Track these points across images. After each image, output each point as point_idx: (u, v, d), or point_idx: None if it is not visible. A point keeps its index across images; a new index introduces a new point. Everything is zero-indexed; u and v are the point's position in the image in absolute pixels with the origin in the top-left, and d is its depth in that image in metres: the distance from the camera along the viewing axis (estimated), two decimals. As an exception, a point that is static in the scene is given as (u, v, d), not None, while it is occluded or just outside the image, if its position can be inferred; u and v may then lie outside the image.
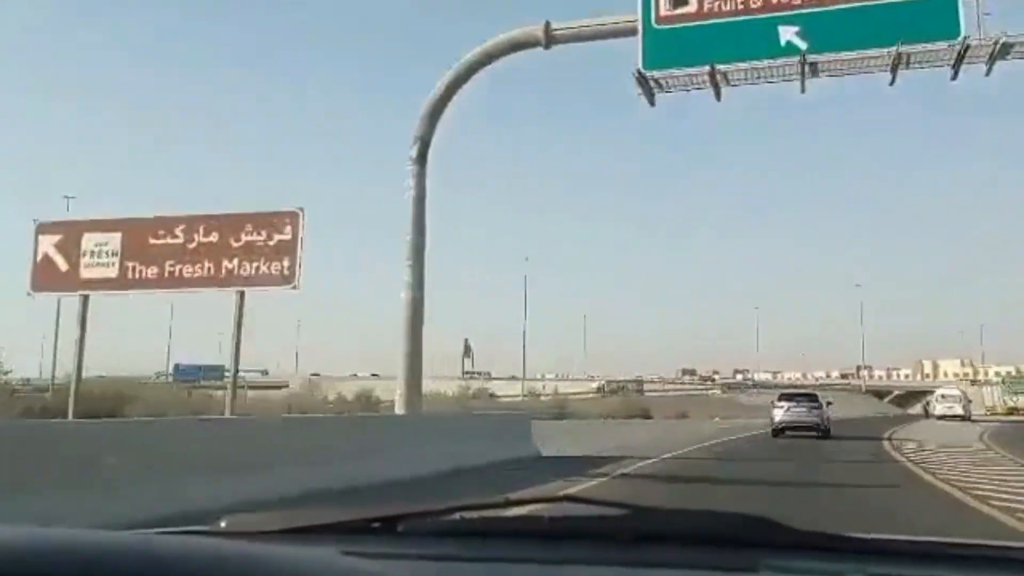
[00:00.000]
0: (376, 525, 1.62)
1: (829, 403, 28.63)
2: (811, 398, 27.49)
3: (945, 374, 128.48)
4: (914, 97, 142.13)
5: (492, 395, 63.21)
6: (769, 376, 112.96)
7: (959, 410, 50.87)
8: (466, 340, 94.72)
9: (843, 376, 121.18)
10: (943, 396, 54.31)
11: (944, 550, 1.58)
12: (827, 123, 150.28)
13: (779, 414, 26.15)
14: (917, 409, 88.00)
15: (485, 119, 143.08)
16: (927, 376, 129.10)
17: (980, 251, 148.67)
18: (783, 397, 27.77)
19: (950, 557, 1.56)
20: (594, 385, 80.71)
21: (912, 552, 1.58)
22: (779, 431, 25.74)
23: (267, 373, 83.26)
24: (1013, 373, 76.58)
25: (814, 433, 25.10)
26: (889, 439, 25.50)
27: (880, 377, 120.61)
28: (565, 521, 1.67)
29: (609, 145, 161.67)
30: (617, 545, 1.53)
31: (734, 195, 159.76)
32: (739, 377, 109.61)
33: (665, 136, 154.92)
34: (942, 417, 49.80)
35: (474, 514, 1.64)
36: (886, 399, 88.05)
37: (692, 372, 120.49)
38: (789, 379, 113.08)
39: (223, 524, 1.62)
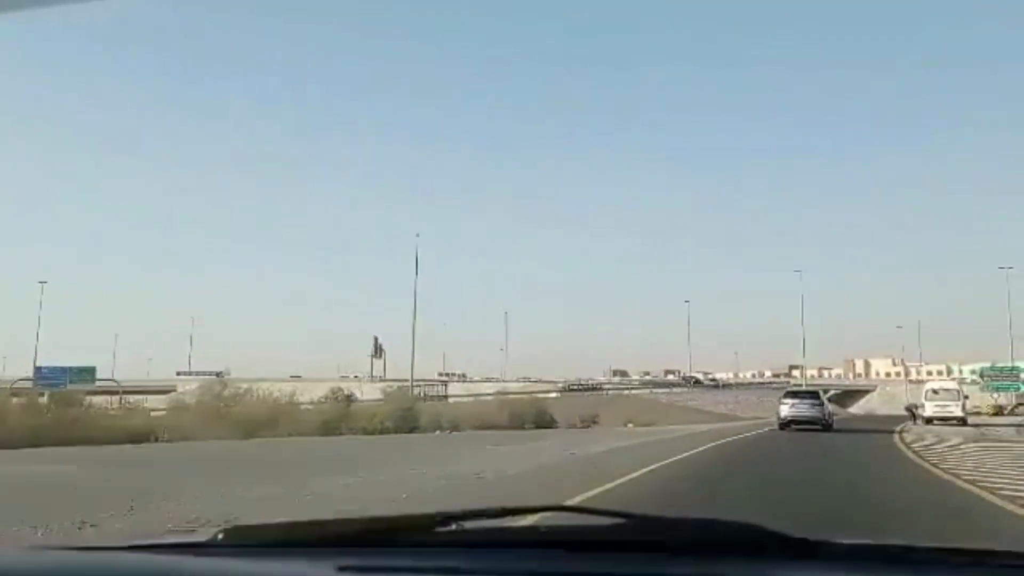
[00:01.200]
0: (373, 537, 1.66)
1: (829, 400, 31.16)
2: (814, 395, 30.09)
3: (877, 373, 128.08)
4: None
5: (443, 397, 58.21)
6: (700, 376, 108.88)
7: (956, 411, 38.70)
8: (376, 339, 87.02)
9: (775, 375, 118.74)
10: (935, 392, 40.53)
11: (933, 555, 1.61)
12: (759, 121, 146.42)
13: (785, 410, 28.49)
14: (855, 409, 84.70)
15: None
16: (859, 375, 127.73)
17: (908, 251, 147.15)
18: (788, 395, 30.35)
19: (946, 563, 1.58)
20: (560, 385, 76.83)
21: (903, 557, 1.59)
22: (785, 424, 28.07)
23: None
24: (988, 367, 66.55)
25: (817, 427, 27.30)
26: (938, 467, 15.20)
27: (812, 376, 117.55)
28: (563, 531, 1.67)
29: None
30: (615, 555, 1.57)
31: (662, 193, 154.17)
32: (670, 377, 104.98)
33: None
34: (931, 420, 37.69)
35: (472, 524, 1.66)
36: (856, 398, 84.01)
37: (623, 373, 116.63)
38: (723, 378, 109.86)
39: (220, 537, 1.66)
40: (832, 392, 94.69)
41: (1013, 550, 1.62)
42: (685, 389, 74.58)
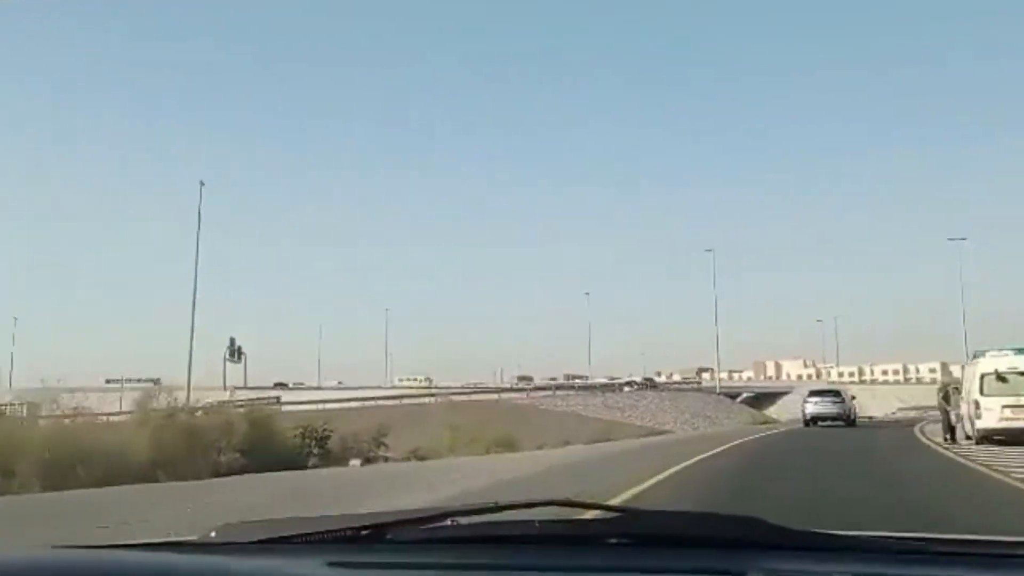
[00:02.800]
0: (364, 533, 1.62)
1: (853, 397, 33.31)
2: (836, 394, 31.80)
3: (788, 375, 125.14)
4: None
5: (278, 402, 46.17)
6: (606, 380, 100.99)
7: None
8: (232, 339, 74.27)
9: (684, 379, 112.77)
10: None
11: (935, 547, 1.58)
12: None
13: (810, 407, 30.56)
14: (773, 411, 78.06)
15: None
16: (769, 378, 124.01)
17: (818, 253, 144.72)
18: (812, 393, 32.23)
19: (941, 554, 1.56)
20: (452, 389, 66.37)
21: (903, 549, 1.56)
22: (810, 421, 30.26)
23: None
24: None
25: (840, 423, 29.53)
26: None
27: (723, 379, 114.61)
28: (557, 525, 1.65)
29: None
30: (610, 549, 1.55)
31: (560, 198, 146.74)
32: (577, 382, 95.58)
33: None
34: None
35: (465, 519, 1.64)
36: (738, 400, 76.64)
37: (528, 379, 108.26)
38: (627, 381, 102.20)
39: (213, 535, 1.67)
40: (746, 395, 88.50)
41: (1016, 539, 1.61)
42: (589, 393, 62.86)
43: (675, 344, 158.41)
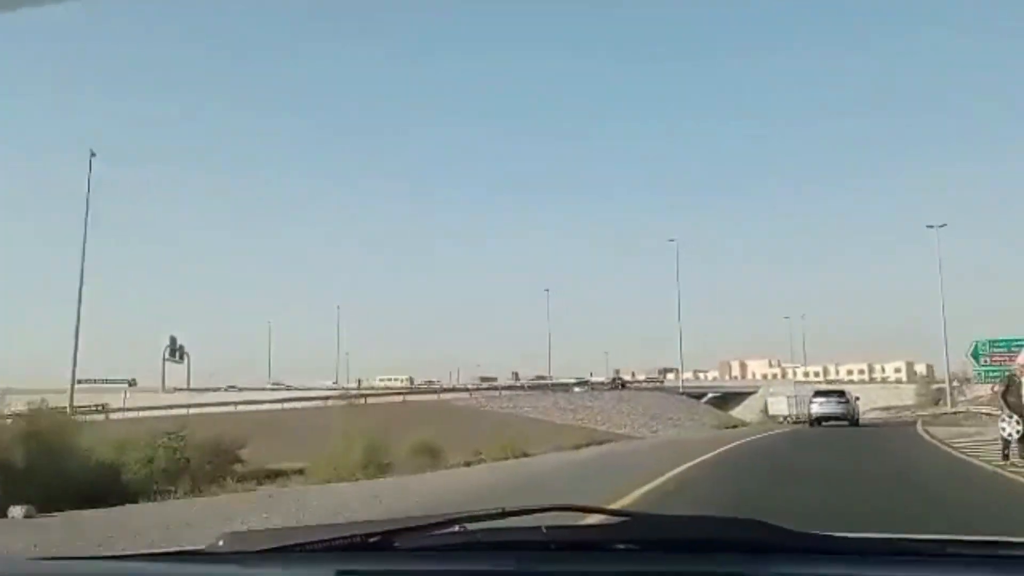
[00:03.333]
0: (372, 541, 1.61)
1: (857, 398, 34.31)
2: (840, 394, 32.69)
3: (753, 375, 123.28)
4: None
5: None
6: (575, 380, 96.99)
7: None
8: (172, 339, 69.20)
9: (648, 379, 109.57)
10: None
11: (941, 548, 1.57)
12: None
13: (815, 407, 31.19)
14: (739, 411, 74.57)
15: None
16: (735, 377, 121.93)
17: (783, 253, 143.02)
18: (818, 394, 33.32)
19: (949, 556, 1.56)
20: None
21: (908, 551, 1.57)
22: (815, 421, 30.51)
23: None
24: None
25: (844, 423, 29.71)
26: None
27: (687, 379, 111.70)
28: (564, 531, 1.66)
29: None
30: (616, 554, 1.56)
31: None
32: (526, 382, 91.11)
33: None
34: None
35: (472, 526, 1.64)
36: (703, 400, 73.05)
37: (492, 379, 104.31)
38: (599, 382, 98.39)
39: (221, 543, 1.66)
40: (711, 395, 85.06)
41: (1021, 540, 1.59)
42: (542, 393, 57.79)
43: (643, 344, 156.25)
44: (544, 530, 1.59)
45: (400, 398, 46.05)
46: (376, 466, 16.17)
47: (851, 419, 30.57)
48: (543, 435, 27.11)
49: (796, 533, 1.54)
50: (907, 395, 74.65)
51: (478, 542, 1.60)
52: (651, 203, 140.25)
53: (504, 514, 1.68)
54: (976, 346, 42.48)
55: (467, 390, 55.72)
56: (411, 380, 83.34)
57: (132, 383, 72.69)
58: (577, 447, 21.13)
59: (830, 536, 1.59)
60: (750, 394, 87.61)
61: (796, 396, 74.23)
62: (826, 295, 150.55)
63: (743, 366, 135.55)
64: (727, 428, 39.80)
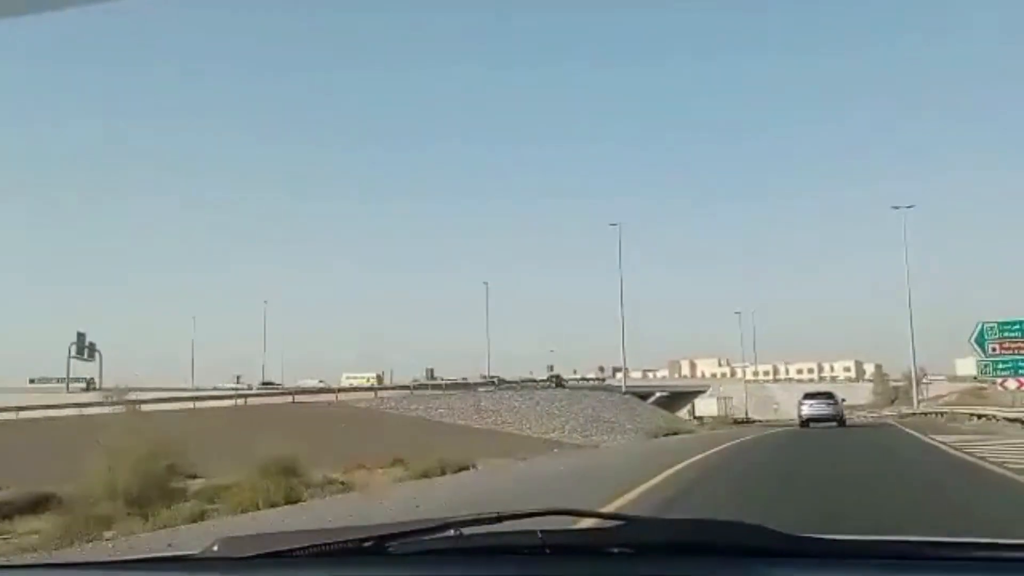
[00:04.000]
0: (367, 545, 1.60)
1: (843, 400, 34.80)
2: (829, 395, 33.58)
3: (703, 374, 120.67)
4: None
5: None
6: (519, 379, 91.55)
7: None
8: (80, 335, 62.79)
9: (586, 378, 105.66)
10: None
11: (939, 551, 1.57)
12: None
13: (805, 409, 31.64)
14: (686, 412, 70.27)
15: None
16: (685, 376, 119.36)
17: (731, 252, 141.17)
18: (807, 396, 33.56)
19: (947, 557, 1.55)
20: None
21: (908, 554, 1.56)
22: (805, 423, 30.86)
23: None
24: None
25: (833, 423, 30.34)
26: None
27: (636, 378, 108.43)
28: (560, 535, 1.64)
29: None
30: (612, 558, 1.55)
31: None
32: (443, 380, 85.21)
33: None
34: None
35: (467, 530, 1.62)
36: (650, 400, 68.54)
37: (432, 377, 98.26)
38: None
39: (215, 548, 1.65)
40: (659, 394, 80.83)
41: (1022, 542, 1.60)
42: (465, 392, 50.48)
43: (593, 343, 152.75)
44: (540, 534, 1.57)
45: (290, 398, 39.63)
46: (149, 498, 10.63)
47: (839, 420, 31.28)
48: (445, 444, 21.62)
49: (794, 537, 1.54)
50: (861, 394, 71.36)
51: (474, 546, 1.59)
52: (603, 204, 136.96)
53: (499, 518, 1.67)
54: (981, 330, 32.06)
55: (373, 389, 48.18)
56: (379, 379, 77.31)
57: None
58: (443, 471, 15.50)
59: (830, 539, 1.57)
60: (699, 392, 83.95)
61: (725, 398, 70.83)
62: (776, 296, 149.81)
63: (693, 365, 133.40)
64: (671, 435, 34.27)
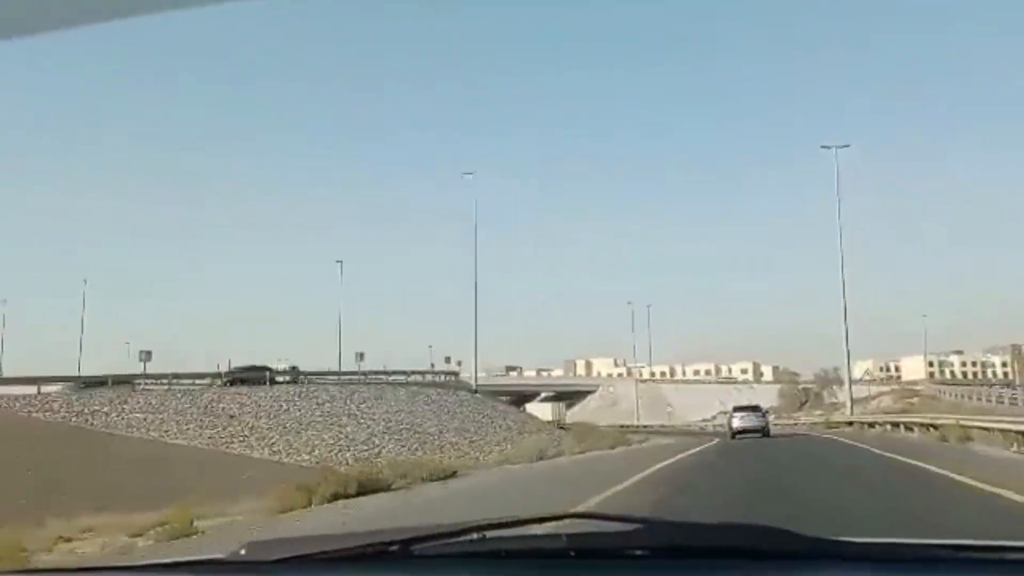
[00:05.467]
0: (392, 549, 1.61)
1: (767, 412, 38.82)
2: (756, 409, 36.21)
3: (599, 374, 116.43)
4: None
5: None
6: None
7: None
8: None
9: (418, 371, 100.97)
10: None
11: (959, 553, 1.57)
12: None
13: (736, 422, 34.32)
14: (576, 411, 62.92)
15: None
16: (580, 376, 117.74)
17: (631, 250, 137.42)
18: (736, 409, 36.61)
19: (967, 560, 1.56)
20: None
21: (925, 556, 1.58)
22: (735, 434, 33.14)
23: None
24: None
25: (759, 434, 32.65)
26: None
27: (531, 377, 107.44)
28: (584, 538, 1.65)
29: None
30: (635, 561, 1.57)
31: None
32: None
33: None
34: None
35: (491, 534, 1.63)
36: (538, 399, 61.11)
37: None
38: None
39: (243, 552, 1.66)
40: (545, 394, 73.59)
41: None
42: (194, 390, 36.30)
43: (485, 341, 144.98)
44: (565, 537, 1.59)
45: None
46: None
47: (764, 432, 32.89)
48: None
49: (820, 540, 1.54)
50: (763, 397, 65.39)
51: (498, 550, 1.60)
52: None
53: (522, 522, 1.71)
54: None
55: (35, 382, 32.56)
56: (295, 368, 66.55)
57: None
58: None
59: (858, 543, 1.58)
60: (589, 392, 77.34)
61: (557, 405, 63.36)
62: (673, 296, 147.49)
63: (589, 365, 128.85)
64: (519, 462, 20.98)
